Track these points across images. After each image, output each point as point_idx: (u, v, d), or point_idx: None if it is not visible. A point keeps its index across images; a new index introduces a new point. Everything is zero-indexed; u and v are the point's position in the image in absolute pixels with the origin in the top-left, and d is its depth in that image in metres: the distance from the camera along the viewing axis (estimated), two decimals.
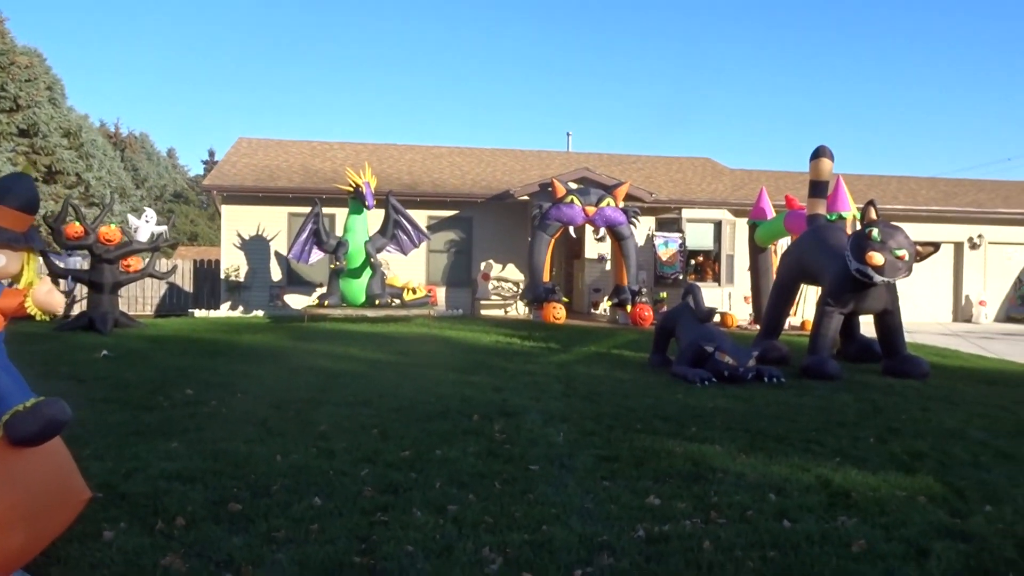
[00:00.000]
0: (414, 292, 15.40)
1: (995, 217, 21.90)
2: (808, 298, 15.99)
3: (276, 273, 17.98)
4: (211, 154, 50.17)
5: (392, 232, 15.75)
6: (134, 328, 13.96)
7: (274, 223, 17.85)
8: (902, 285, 20.79)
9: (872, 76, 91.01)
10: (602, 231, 16.62)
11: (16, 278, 3.27)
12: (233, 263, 17.81)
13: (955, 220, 21.81)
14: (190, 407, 6.86)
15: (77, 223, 13.66)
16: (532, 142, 79.36)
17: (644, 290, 16.76)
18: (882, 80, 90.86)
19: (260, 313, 17.25)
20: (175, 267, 17.50)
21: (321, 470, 4.83)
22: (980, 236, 22.16)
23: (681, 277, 17.57)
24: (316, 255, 15.73)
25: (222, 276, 17.90)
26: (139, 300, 18.66)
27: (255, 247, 17.90)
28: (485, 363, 9.88)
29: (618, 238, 16.39)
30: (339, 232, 16.24)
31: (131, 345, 11.62)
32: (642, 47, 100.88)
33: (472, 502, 4.23)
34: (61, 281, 14.98)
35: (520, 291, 18.11)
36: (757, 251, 16.50)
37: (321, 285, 17.02)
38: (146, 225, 14.54)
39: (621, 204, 16.41)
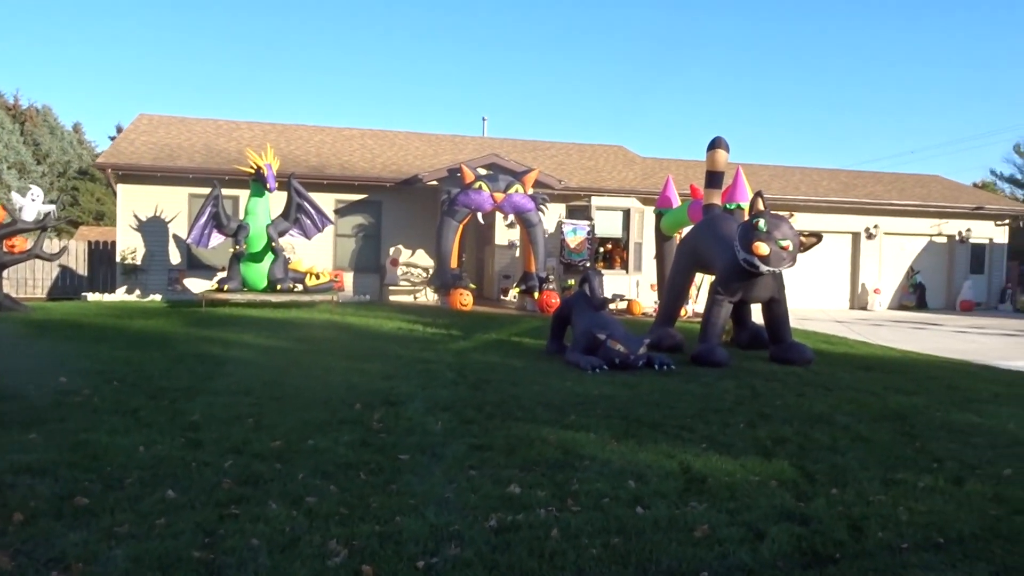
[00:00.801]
0: (317, 277, 15.13)
1: (890, 209, 22.94)
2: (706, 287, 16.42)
3: (175, 256, 17.36)
4: (118, 130, 47.92)
5: (295, 216, 15.39)
6: (19, 312, 13.29)
7: (174, 204, 17.21)
8: (804, 273, 21.86)
9: (784, 70, 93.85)
10: (510, 217, 16.65)
11: None
12: (130, 245, 17.11)
13: (853, 211, 22.75)
14: (59, 396, 6.55)
15: None
16: (449, 127, 78.82)
17: (552, 277, 16.89)
18: (793, 74, 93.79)
19: (158, 297, 16.64)
20: (65, 248, 16.70)
21: (183, 461, 4.68)
22: (876, 227, 23.18)
23: (589, 264, 17.76)
24: (216, 239, 15.24)
25: (118, 259, 17.16)
26: (29, 282, 17.78)
27: (153, 229, 17.23)
28: (381, 350, 9.78)
29: (526, 225, 16.45)
30: (241, 215, 15.77)
31: (10, 330, 11.05)
32: (561, 32, 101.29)
33: (333, 493, 4.16)
34: None
35: (429, 277, 18.00)
36: (663, 239, 16.79)
37: (223, 269, 16.53)
38: (32, 204, 13.81)
39: (530, 191, 16.47)
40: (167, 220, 17.21)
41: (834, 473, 4.70)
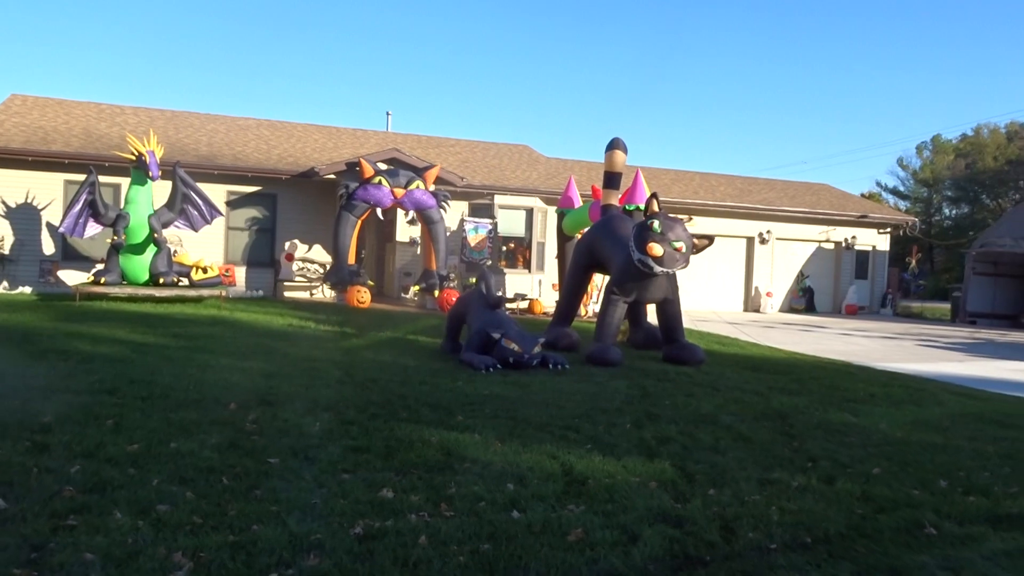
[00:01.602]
0: (204, 271, 14.40)
1: (781, 215, 23.80)
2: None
3: (49, 247, 16.24)
4: None
5: (180, 206, 14.62)
6: None
7: (47, 191, 16.09)
8: (701, 276, 22.38)
9: (689, 76, 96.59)
10: (411, 214, 16.36)
11: None
12: None
13: (748, 216, 23.49)
14: None
15: None
16: (353, 120, 77.25)
17: (453, 276, 16.69)
18: (697, 81, 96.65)
19: (28, 290, 15.54)
20: None
21: (23, 467, 4.25)
22: (769, 232, 24.00)
23: (490, 263, 17.65)
24: (93, 228, 14.28)
25: None
26: None
27: (24, 216, 16.06)
28: (266, 347, 9.36)
29: (427, 222, 16.20)
30: (122, 204, 14.86)
31: None
32: (472, 30, 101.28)
33: (188, 500, 3.84)
34: None
35: (325, 273, 17.50)
36: (565, 239, 16.85)
37: (102, 261, 15.55)
38: None
39: (431, 187, 16.22)
40: (39, 208, 16.08)
41: (713, 473, 4.70)
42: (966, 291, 23.45)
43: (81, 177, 15.18)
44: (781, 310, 24.25)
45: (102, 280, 13.78)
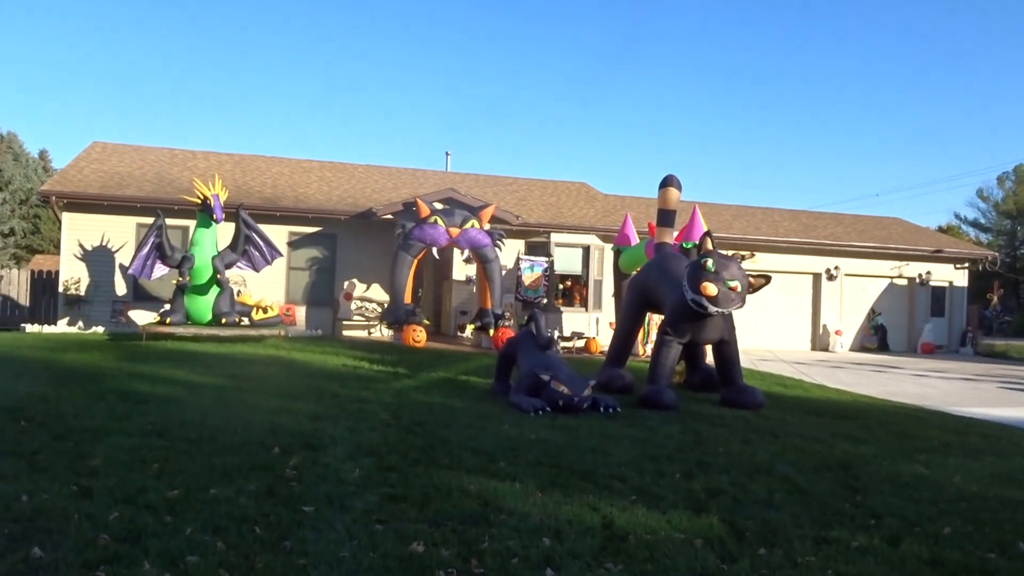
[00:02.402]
0: (265, 311, 14.67)
1: (850, 250, 23.08)
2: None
3: (121, 287, 16.82)
4: (41, 155, 46.43)
5: (243, 248, 14.99)
6: None
7: (121, 233, 16.71)
8: (765, 314, 21.80)
9: (752, 110, 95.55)
10: (467, 253, 16.41)
11: None
12: (74, 275, 16.54)
13: (813, 252, 22.85)
14: None
15: None
16: (413, 161, 78.70)
17: (508, 314, 16.61)
18: (760, 113, 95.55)
19: (100, 329, 16.07)
20: (0, 277, 16.12)
21: (64, 513, 4.28)
22: (837, 268, 23.28)
23: (545, 302, 17.53)
24: (160, 270, 14.75)
25: (60, 289, 16.58)
26: None
27: (99, 259, 16.69)
28: (317, 388, 9.39)
29: (482, 261, 16.21)
30: (188, 246, 15.32)
31: None
32: (527, 69, 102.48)
33: (218, 551, 3.79)
34: None
35: (382, 312, 17.64)
36: (621, 277, 16.65)
37: (170, 301, 16.01)
38: None
39: (487, 226, 16.26)
40: (113, 250, 16.70)
41: (765, 530, 4.43)
42: None
43: (152, 220, 15.73)
44: (852, 349, 23.38)
45: (168, 320, 14.16)
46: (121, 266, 16.74)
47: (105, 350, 12.53)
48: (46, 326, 16.22)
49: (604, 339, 17.83)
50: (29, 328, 15.89)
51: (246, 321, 14.81)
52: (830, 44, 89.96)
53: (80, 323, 16.40)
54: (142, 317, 16.22)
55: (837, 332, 23.07)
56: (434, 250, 15.94)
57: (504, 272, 17.35)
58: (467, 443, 6.53)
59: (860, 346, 23.60)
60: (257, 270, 15.55)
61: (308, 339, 15.96)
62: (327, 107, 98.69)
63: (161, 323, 14.18)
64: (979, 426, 9.04)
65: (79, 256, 16.64)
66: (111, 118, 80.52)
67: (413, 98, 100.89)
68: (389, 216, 16.86)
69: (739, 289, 8.88)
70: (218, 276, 14.44)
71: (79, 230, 16.65)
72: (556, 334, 17.39)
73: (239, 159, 21.25)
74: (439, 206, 16.30)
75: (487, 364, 12.69)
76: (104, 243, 16.73)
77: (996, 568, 4.01)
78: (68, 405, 7.64)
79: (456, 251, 17.24)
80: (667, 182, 11.23)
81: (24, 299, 17.66)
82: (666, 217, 11.36)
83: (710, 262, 8.85)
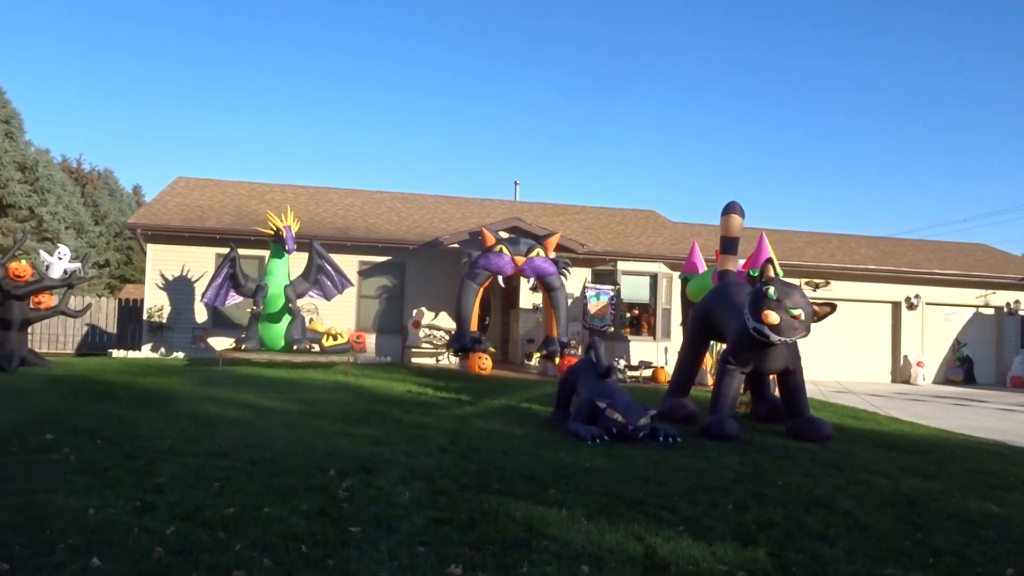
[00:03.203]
0: (335, 338, 15.05)
1: (931, 278, 22.21)
2: None
3: (201, 314, 17.53)
4: (135, 190, 48.89)
5: (315, 277, 15.50)
6: (41, 367, 13.45)
7: (201, 264, 17.46)
8: (843, 344, 21.12)
9: (830, 136, 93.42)
10: (532, 281, 16.51)
11: None
12: (157, 303, 17.35)
13: (892, 280, 22.09)
14: (39, 453, 6.47)
15: None
16: (482, 191, 79.81)
17: (574, 343, 16.58)
18: (840, 139, 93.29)
19: (181, 355, 16.76)
20: (89, 305, 17.02)
21: (126, 527, 4.49)
22: (917, 296, 22.42)
23: (612, 330, 17.42)
24: (233, 298, 15.40)
25: (145, 316, 17.40)
26: (60, 338, 18.07)
27: (180, 288, 17.47)
28: (380, 414, 9.56)
29: (548, 289, 16.27)
30: (262, 276, 15.90)
31: (23, 384, 11.13)
32: (601, 99, 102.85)
33: (264, 567, 3.92)
34: None
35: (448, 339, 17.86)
36: (689, 305, 16.43)
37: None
38: (59, 262, 14.12)
39: (552, 255, 16.33)
40: (193, 279, 17.45)
41: (814, 565, 4.30)
42: None
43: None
44: (935, 381, 22.39)
45: (243, 347, 14.68)
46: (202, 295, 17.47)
47: (183, 374, 13.05)
48: (131, 351, 17.03)
49: (672, 368, 17.59)
50: (116, 353, 16.70)
51: (317, 348, 15.22)
52: (903, 65, 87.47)
53: (162, 349, 17.14)
54: (220, 343, 16.86)
55: (919, 364, 22.15)
56: (500, 278, 16.09)
57: (570, 300, 17.36)
58: (520, 470, 6.55)
59: (944, 378, 22.60)
60: (328, 299, 16.01)
61: (377, 366, 16.27)
62: (402, 139, 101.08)
63: (236, 349, 14.71)
64: None
65: (161, 285, 17.45)
66: (197, 154, 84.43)
67: (485, 129, 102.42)
68: (456, 245, 17.12)
69: (803, 318, 8.66)
70: (290, 305, 14.92)
71: (162, 260, 17.47)
72: (623, 363, 17.26)
73: (313, 191, 21.97)
74: (504, 235, 16.47)
75: (550, 392, 12.68)
76: (185, 273, 17.50)
77: None
78: (143, 426, 8.00)
79: (523, 280, 17.36)
80: (730, 209, 11.09)
81: (112, 326, 18.59)
82: (729, 244, 11.20)
83: (772, 290, 8.68)
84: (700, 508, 5.49)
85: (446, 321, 18.39)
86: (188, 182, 21.21)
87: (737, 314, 9.36)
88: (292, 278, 15.40)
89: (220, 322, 17.51)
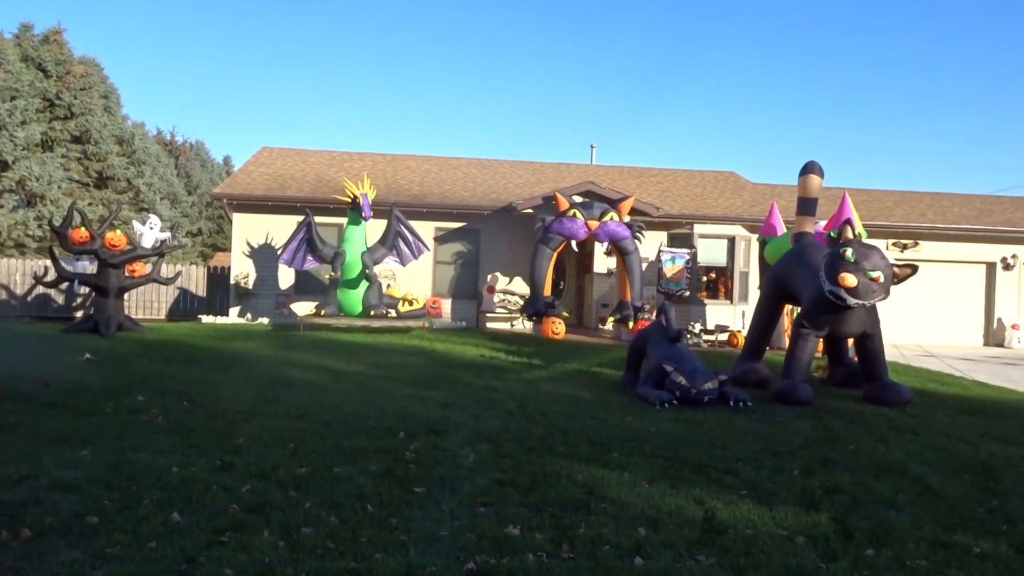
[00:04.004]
0: (410, 304, 15.36)
1: None
2: None
3: (284, 281, 18.12)
4: (225, 161, 50.43)
5: (392, 243, 15.78)
6: (136, 331, 14.21)
7: (284, 231, 17.97)
8: (932, 306, 20.28)
9: (920, 94, 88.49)
10: (607, 245, 16.39)
11: None
12: (243, 271, 18.03)
13: (987, 239, 20.98)
14: (130, 414, 6.89)
15: (83, 228, 13.95)
16: (557, 155, 78.85)
17: (648, 307, 16.44)
18: (929, 96, 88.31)
19: (265, 320, 17.41)
20: (179, 273, 17.83)
21: (205, 484, 4.77)
22: (1015, 256, 21.26)
23: (688, 294, 17.19)
24: (311, 263, 15.93)
25: (232, 283, 18.13)
26: (153, 304, 18.97)
27: (264, 255, 18.09)
28: (451, 378, 9.75)
29: (622, 253, 16.13)
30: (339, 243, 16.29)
31: (120, 349, 11.79)
32: (675, 58, 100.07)
33: (331, 524, 4.11)
34: (68, 284, 15.36)
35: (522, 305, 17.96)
36: (767, 268, 16.06)
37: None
38: (150, 232, 14.81)
39: (626, 218, 16.16)
40: (277, 247, 18.01)
41: (878, 531, 4.22)
42: None
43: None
44: None
45: (322, 312, 15.15)
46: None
47: (266, 339, 13.58)
48: (219, 317, 17.78)
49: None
50: (204, 319, 17.48)
51: (394, 313, 15.56)
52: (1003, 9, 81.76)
53: (248, 314, 17.83)
54: (302, 308, 17.41)
55: (1014, 326, 21.07)
56: (573, 243, 16.04)
57: (646, 264, 17.19)
58: (586, 433, 6.61)
59: None
60: (403, 264, 16.31)
61: (452, 330, 16.53)
62: (480, 105, 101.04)
63: (317, 315, 15.19)
64: None
65: (247, 253, 18.10)
66: (283, 124, 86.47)
67: (561, 91, 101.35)
68: (530, 210, 17.13)
69: (882, 280, 8.36)
70: (367, 271, 15.27)
71: (247, 228, 18.10)
72: (699, 327, 17.04)
73: (391, 159, 22.27)
74: (578, 199, 16.37)
75: (621, 356, 12.61)
76: (268, 241, 18.09)
77: None
78: (226, 388, 8.40)
79: (597, 244, 17.26)
80: (808, 168, 10.73)
81: (201, 292, 19.42)
82: (807, 205, 10.86)
83: (849, 251, 8.40)
84: (765, 472, 5.44)
85: (520, 286, 18.48)
86: (272, 152, 21.80)
87: (812, 277, 9.11)
88: (369, 245, 15.73)
89: (302, 288, 18.07)
